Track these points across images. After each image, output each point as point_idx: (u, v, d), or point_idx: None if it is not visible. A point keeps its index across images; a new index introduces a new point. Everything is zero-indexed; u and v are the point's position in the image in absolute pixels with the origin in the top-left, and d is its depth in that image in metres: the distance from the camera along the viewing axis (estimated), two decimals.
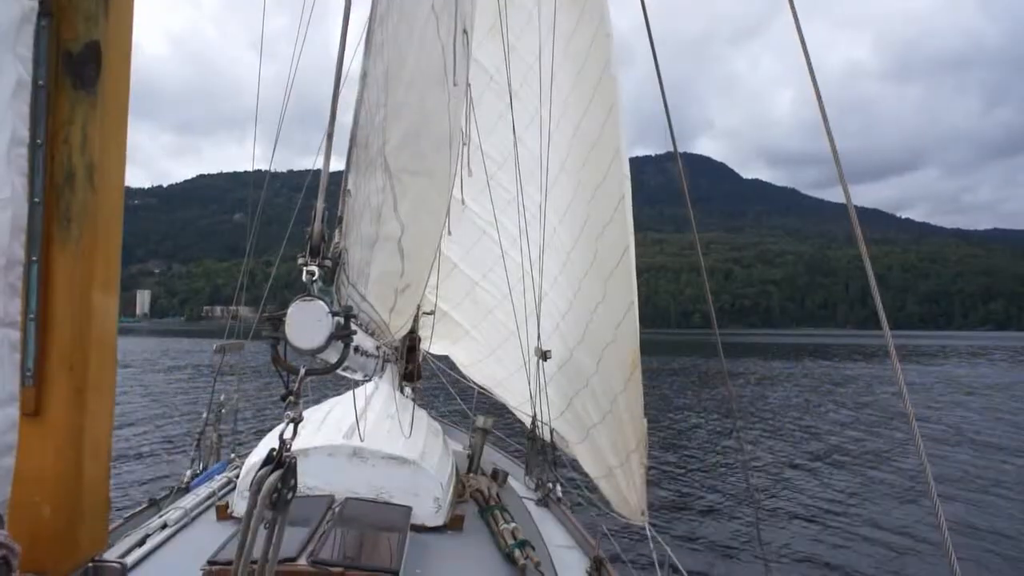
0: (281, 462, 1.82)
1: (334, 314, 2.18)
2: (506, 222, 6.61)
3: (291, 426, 1.94)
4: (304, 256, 2.31)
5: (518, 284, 6.14)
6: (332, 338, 2.17)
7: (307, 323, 2.13)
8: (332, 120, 2.54)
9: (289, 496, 1.83)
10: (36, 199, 1.15)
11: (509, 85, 5.96)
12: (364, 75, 2.79)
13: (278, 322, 2.13)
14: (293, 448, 1.89)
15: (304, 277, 2.24)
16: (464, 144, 5.79)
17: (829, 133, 2.63)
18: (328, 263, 2.42)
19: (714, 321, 4.11)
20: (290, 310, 2.13)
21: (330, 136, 2.55)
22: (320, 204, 2.40)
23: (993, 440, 18.90)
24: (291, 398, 2.01)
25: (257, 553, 1.80)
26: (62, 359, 1.17)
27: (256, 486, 1.77)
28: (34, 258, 1.14)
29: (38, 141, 1.16)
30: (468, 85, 4.42)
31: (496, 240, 6.65)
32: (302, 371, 2.11)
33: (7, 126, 1.05)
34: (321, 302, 2.16)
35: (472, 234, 7.47)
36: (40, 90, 1.16)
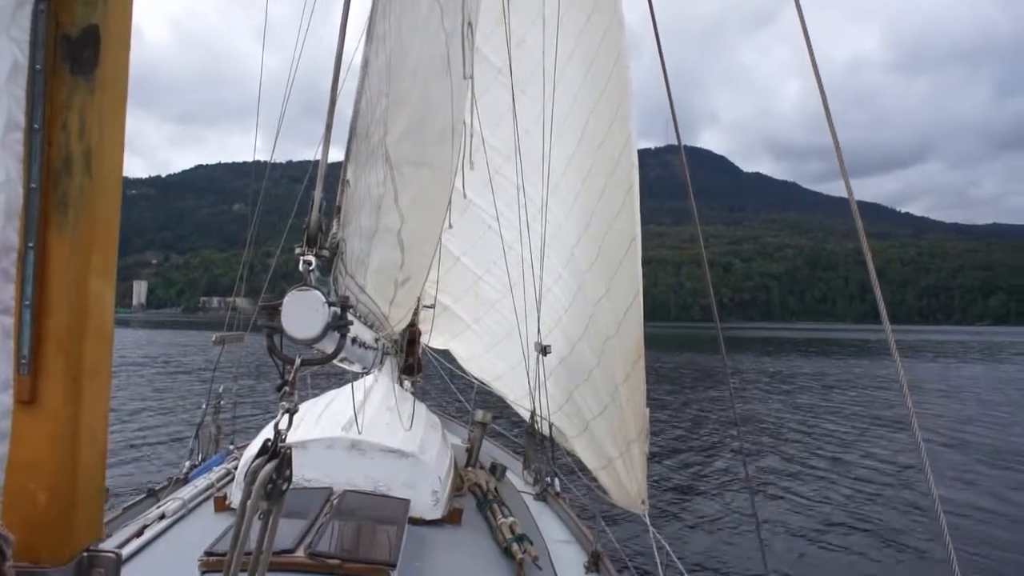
0: (276, 453, 1.81)
1: (330, 304, 2.16)
2: (511, 216, 6.60)
3: (286, 416, 1.93)
4: (301, 246, 2.29)
5: (521, 279, 6.14)
6: (328, 328, 2.15)
7: (303, 313, 2.11)
8: (331, 110, 2.51)
9: (284, 487, 1.82)
10: (33, 185, 1.13)
11: (511, 76, 5.94)
12: (365, 64, 2.77)
13: (274, 312, 2.11)
14: (292, 440, 1.87)
15: (301, 267, 2.22)
16: (470, 136, 5.78)
17: (831, 126, 2.61)
18: (325, 253, 2.40)
19: (716, 315, 4.10)
20: (286, 299, 2.11)
21: (329, 127, 2.53)
22: (318, 194, 2.38)
23: (994, 438, 18.91)
24: (286, 388, 2.00)
25: (253, 544, 1.80)
26: (58, 347, 1.15)
27: (251, 477, 1.76)
28: (30, 244, 1.13)
29: (35, 126, 1.14)
30: (471, 77, 4.40)
31: (500, 235, 6.65)
32: (298, 361, 2.10)
33: (2, 110, 1.04)
34: (317, 292, 2.14)
35: (476, 229, 7.46)
36: (37, 74, 1.14)
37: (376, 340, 3.34)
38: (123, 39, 1.28)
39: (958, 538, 9.40)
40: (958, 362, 52.68)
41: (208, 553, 2.96)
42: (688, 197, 4.06)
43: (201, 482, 4.78)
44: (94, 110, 1.20)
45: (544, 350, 5.74)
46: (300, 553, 3.02)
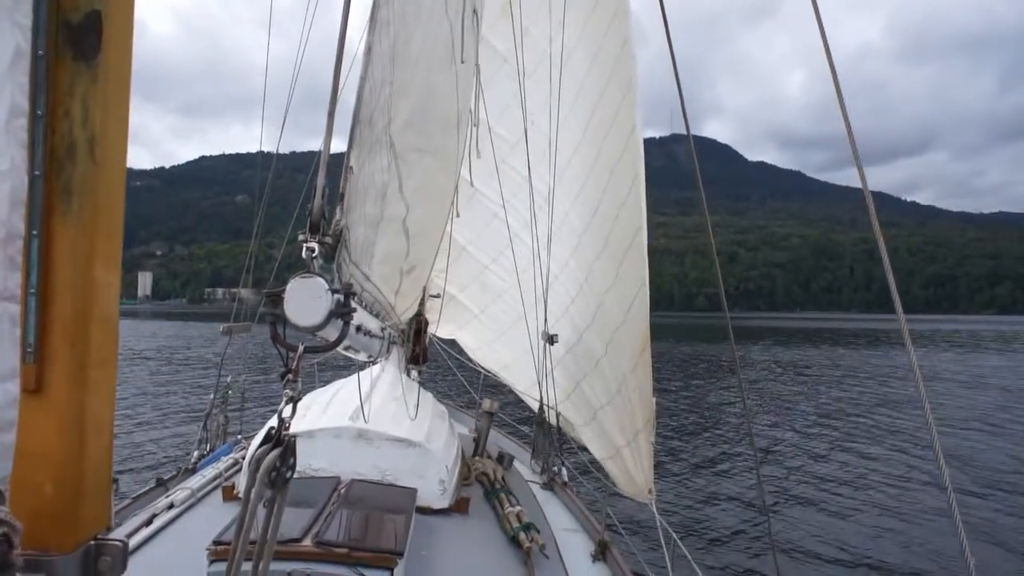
0: (280, 441, 1.80)
1: (334, 291, 2.15)
2: (517, 205, 6.57)
3: (290, 405, 1.93)
4: (304, 233, 2.28)
5: (527, 268, 6.12)
6: (331, 315, 2.14)
7: (306, 300, 2.10)
8: (334, 96, 2.50)
9: (288, 474, 1.82)
10: (37, 172, 1.12)
11: (518, 65, 5.90)
12: (368, 50, 2.74)
13: (277, 299, 2.10)
14: (299, 429, 1.86)
15: (304, 254, 2.21)
16: (474, 126, 5.76)
17: (844, 113, 2.57)
18: (329, 240, 2.39)
19: (724, 304, 4.08)
20: (289, 286, 2.10)
21: (331, 114, 2.51)
22: (321, 181, 2.36)
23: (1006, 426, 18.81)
24: (289, 376, 1.99)
25: (258, 532, 1.80)
26: (64, 335, 1.15)
27: (255, 464, 1.76)
28: (35, 232, 1.12)
29: (38, 113, 1.13)
30: (477, 66, 4.37)
31: (507, 224, 6.63)
32: (300, 348, 2.08)
33: (6, 97, 1.03)
34: (320, 279, 2.13)
35: (483, 217, 7.44)
36: (40, 61, 1.13)
37: (382, 329, 3.33)
38: (125, 26, 1.27)
39: (971, 525, 9.35)
40: (972, 351, 52.29)
41: (216, 542, 2.97)
42: (698, 187, 4.02)
43: (209, 472, 4.80)
44: (97, 97, 1.19)
45: (551, 339, 5.74)
46: (308, 542, 3.03)
